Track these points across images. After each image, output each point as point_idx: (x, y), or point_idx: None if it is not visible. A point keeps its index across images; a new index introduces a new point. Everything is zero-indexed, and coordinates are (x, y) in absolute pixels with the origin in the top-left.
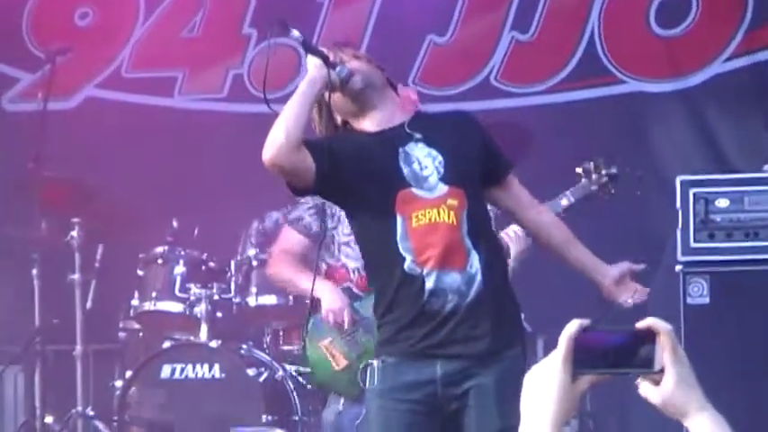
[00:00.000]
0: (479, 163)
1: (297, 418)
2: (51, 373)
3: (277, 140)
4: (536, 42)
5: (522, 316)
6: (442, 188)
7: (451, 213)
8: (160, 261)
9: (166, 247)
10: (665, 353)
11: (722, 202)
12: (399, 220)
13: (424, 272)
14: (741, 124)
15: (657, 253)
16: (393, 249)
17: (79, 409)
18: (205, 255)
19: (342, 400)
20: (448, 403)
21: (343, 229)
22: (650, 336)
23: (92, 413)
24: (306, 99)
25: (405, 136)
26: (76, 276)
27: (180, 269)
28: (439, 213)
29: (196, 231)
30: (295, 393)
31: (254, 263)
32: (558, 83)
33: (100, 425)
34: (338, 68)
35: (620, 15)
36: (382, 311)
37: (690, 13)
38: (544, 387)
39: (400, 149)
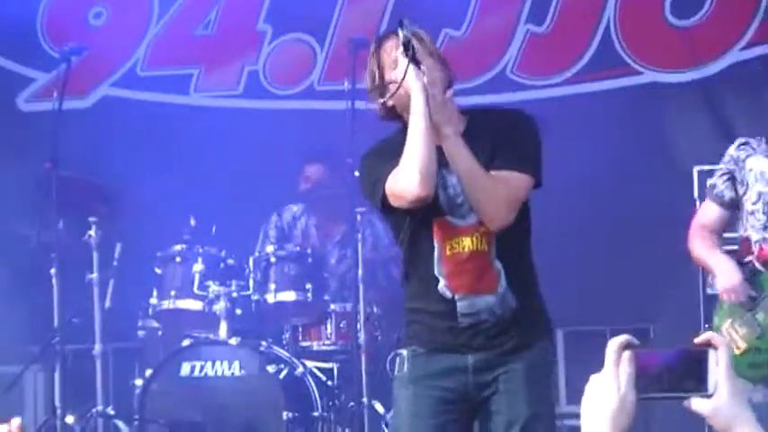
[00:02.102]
0: None
1: (317, 414)
2: (71, 372)
3: (427, 173)
4: (551, 34)
5: None
6: (474, 215)
7: (483, 240)
8: (178, 259)
9: (184, 245)
10: (721, 366)
11: None
12: (436, 246)
13: (456, 297)
14: (758, 113)
15: (674, 243)
16: (430, 272)
17: (99, 408)
18: (223, 252)
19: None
20: (479, 391)
21: (751, 197)
22: (702, 352)
23: (112, 412)
24: (426, 129)
25: (444, 157)
26: (95, 275)
27: (198, 267)
28: (472, 241)
29: (214, 229)
30: (315, 389)
31: (273, 259)
32: (574, 75)
33: (120, 424)
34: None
35: (635, 6)
36: (414, 308)
37: (705, 2)
38: (601, 399)
39: (437, 172)
